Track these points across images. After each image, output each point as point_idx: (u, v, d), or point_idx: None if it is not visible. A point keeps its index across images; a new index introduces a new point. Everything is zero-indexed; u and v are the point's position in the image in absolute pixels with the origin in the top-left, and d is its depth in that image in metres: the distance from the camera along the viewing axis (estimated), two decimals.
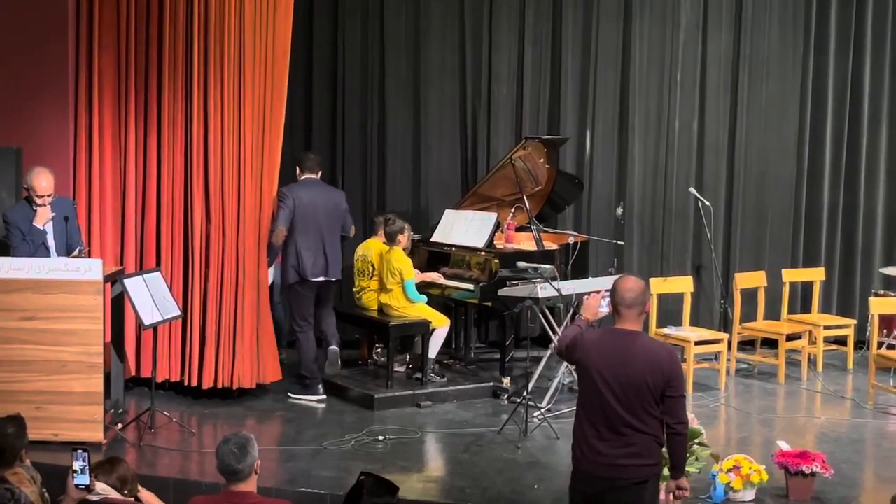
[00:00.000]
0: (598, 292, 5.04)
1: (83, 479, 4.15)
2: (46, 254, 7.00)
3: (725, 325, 9.43)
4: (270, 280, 8.34)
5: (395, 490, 3.63)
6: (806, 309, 9.62)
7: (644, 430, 4.49)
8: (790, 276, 9.42)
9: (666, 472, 4.73)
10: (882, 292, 9.25)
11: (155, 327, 7.13)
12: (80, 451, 4.17)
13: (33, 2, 7.78)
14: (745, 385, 8.81)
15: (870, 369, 8.19)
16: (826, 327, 9.24)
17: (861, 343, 9.39)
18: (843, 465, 6.57)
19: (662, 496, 4.88)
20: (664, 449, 4.62)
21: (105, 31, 7.77)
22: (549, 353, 8.35)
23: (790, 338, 8.96)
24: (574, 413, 4.76)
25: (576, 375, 7.94)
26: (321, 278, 7.98)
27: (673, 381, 4.47)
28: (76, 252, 6.99)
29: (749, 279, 9.18)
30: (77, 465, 4.16)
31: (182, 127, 7.76)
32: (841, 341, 9.42)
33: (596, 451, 4.53)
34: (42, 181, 6.95)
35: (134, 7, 7.76)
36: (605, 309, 4.98)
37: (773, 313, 9.30)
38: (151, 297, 7.03)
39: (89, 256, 7.12)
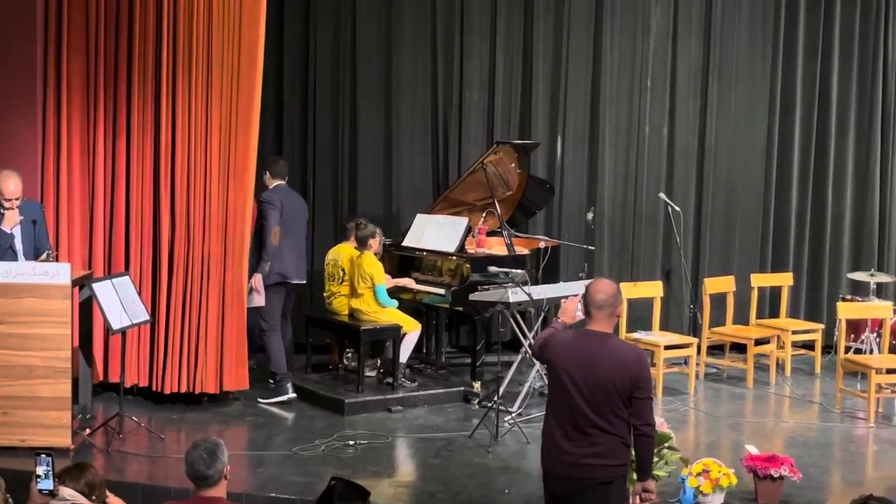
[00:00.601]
0: (574, 296, 5.08)
1: (47, 485, 4.12)
2: (14, 258, 6.93)
3: (695, 330, 9.49)
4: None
5: (365, 495, 3.62)
6: (774, 313, 9.70)
7: (610, 431, 4.52)
8: (759, 280, 9.49)
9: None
10: (849, 297, 9.34)
11: (123, 332, 7.07)
12: (43, 455, 4.14)
13: (1, 5, 7.71)
14: (714, 389, 8.86)
15: (837, 373, 8.26)
16: (794, 332, 9.31)
17: (829, 347, 9.47)
18: (811, 469, 6.62)
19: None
20: (632, 451, 4.65)
21: (74, 35, 7.72)
22: (519, 357, 8.38)
23: (759, 342, 9.03)
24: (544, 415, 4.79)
25: (546, 381, 8.00)
26: (301, 281, 8.28)
27: (640, 383, 4.50)
28: (44, 256, 6.93)
29: (718, 284, 9.24)
30: (41, 470, 4.12)
31: (151, 131, 7.72)
32: (809, 346, 9.49)
33: (562, 450, 4.57)
34: (10, 185, 6.89)
35: (104, 11, 7.72)
36: (581, 313, 4.97)
37: (741, 318, 9.37)
38: (120, 302, 6.98)
39: (57, 260, 7.06)
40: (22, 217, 6.98)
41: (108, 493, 4.52)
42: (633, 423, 4.55)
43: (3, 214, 6.93)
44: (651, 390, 4.63)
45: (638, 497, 4.77)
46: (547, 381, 4.69)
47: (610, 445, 4.53)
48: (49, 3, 7.70)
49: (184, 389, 7.68)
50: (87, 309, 7.27)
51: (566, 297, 7.82)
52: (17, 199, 6.92)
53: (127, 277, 7.30)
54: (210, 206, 7.66)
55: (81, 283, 7.08)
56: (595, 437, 4.51)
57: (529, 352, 4.94)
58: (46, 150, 7.79)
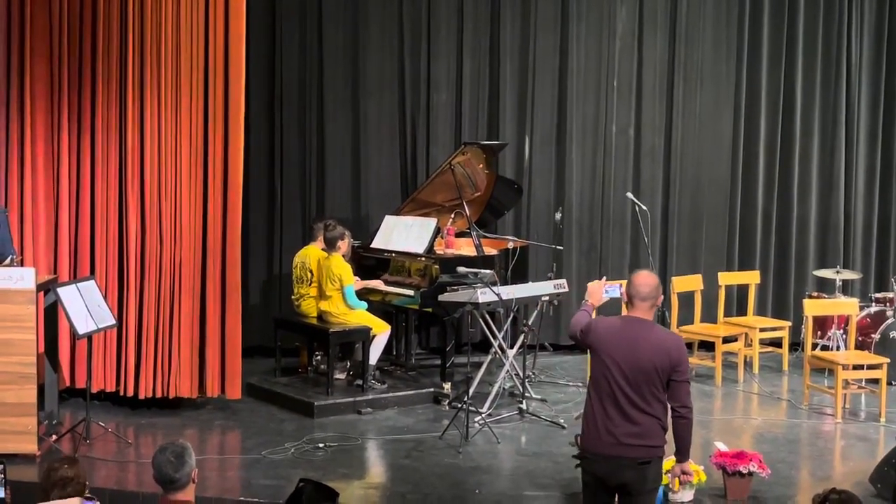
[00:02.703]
0: (600, 279, 5.47)
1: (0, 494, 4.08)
2: None
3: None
4: None
5: (334, 496, 3.61)
6: (742, 312, 9.76)
7: (649, 412, 4.76)
8: (726, 279, 9.55)
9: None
10: (816, 294, 9.43)
11: (89, 336, 7.01)
12: None
13: None
14: None
15: (805, 370, 8.32)
16: (761, 329, 9.37)
17: (796, 345, 9.55)
18: (779, 465, 6.67)
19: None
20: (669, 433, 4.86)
21: (37, 37, 7.63)
22: (489, 358, 8.38)
23: (726, 340, 9.08)
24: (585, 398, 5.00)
25: (516, 381, 8.02)
26: None
27: (679, 367, 4.77)
28: (8, 261, 6.85)
29: (685, 283, 9.30)
30: None
31: (116, 133, 7.66)
32: (776, 343, 9.56)
33: (603, 430, 4.79)
34: None
35: (67, 12, 7.64)
36: (607, 294, 5.38)
37: (709, 316, 9.43)
38: (86, 306, 6.92)
39: (21, 265, 6.98)
40: None
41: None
42: (672, 406, 4.80)
43: None
44: (688, 375, 4.84)
45: (677, 479, 5.06)
46: (590, 365, 4.99)
47: (649, 426, 4.76)
48: (11, 6, 7.62)
49: (158, 394, 7.63)
50: (52, 314, 7.20)
51: (546, 297, 7.95)
52: None
53: (93, 281, 7.24)
54: (181, 209, 7.60)
55: (46, 287, 7.01)
56: (635, 417, 4.75)
57: (576, 340, 5.10)
58: (10, 153, 7.71)
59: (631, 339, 4.79)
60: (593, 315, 5.26)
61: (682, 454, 4.93)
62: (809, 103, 10.21)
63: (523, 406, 7.80)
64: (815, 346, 8.70)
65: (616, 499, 4.87)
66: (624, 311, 5.14)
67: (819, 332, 9.13)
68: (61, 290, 6.87)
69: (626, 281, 5.22)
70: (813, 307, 8.55)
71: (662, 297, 5.05)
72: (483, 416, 7.46)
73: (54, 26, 7.66)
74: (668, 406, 4.80)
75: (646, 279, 4.89)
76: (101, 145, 7.67)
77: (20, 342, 6.54)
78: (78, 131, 7.73)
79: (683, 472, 5.01)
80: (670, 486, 5.90)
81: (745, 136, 10.17)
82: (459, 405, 7.39)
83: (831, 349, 8.89)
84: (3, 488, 4.12)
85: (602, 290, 5.33)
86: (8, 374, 6.54)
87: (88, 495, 4.35)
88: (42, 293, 6.95)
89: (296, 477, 5.61)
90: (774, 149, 10.22)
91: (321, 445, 7.01)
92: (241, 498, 6.04)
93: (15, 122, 7.68)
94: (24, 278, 6.55)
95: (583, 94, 9.97)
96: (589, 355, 5.18)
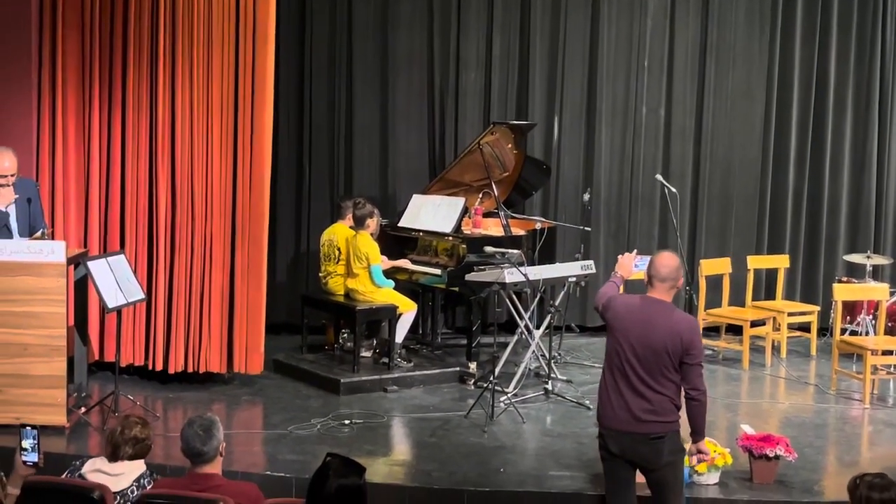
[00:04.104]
0: (631, 253, 5.51)
1: (33, 457, 4.12)
2: (9, 236, 6.89)
3: (690, 311, 9.39)
4: None
5: (361, 470, 3.60)
6: (770, 295, 9.70)
7: (660, 391, 4.84)
8: (755, 262, 9.48)
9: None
10: (846, 279, 9.35)
11: (119, 310, 7.06)
12: (29, 428, 4.14)
13: None
14: (710, 370, 8.82)
15: (833, 355, 8.27)
16: (790, 314, 9.31)
17: (824, 330, 9.48)
18: (806, 450, 6.63)
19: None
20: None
21: (69, 13, 7.66)
22: (515, 338, 8.37)
23: (754, 324, 9.02)
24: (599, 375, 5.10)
25: (542, 362, 8.01)
26: None
27: (691, 350, 4.82)
28: (39, 234, 6.90)
29: (714, 266, 9.24)
30: (27, 443, 4.12)
31: (147, 108, 7.68)
32: (804, 328, 9.50)
33: (618, 406, 4.89)
34: (4, 161, 6.85)
35: None
36: (637, 268, 5.42)
37: (737, 300, 9.37)
38: (115, 280, 6.96)
39: (53, 238, 7.03)
40: (17, 195, 6.95)
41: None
42: (685, 388, 4.87)
43: None
44: (701, 358, 4.89)
45: (694, 458, 5.17)
46: (606, 341, 5.06)
47: (660, 403, 4.84)
48: None
49: (190, 369, 7.67)
50: (82, 287, 7.24)
51: (574, 278, 7.93)
52: (12, 175, 6.88)
53: (122, 256, 7.28)
54: (212, 184, 7.62)
55: (76, 261, 7.06)
56: (646, 394, 4.84)
57: (598, 312, 5.20)
58: (42, 128, 7.76)
59: (645, 320, 4.84)
60: (621, 288, 5.33)
61: (696, 434, 4.99)
62: (843, 83, 10.07)
63: (549, 386, 7.79)
64: (843, 331, 8.63)
65: (636, 472, 4.99)
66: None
67: (848, 317, 9.06)
68: (91, 264, 6.92)
69: (678, 252, 5.41)
70: (842, 292, 8.48)
71: (683, 279, 5.08)
72: (508, 395, 7.46)
73: (86, 1, 7.68)
74: (681, 387, 4.87)
75: (666, 260, 4.93)
76: (131, 120, 7.70)
77: (50, 315, 6.59)
78: (109, 106, 7.76)
79: (699, 451, 5.08)
80: (694, 467, 5.89)
81: (776, 117, 10.06)
82: (485, 385, 7.39)
83: (860, 334, 8.82)
84: (38, 453, 4.17)
85: (633, 264, 5.38)
86: (38, 346, 6.58)
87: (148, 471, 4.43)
88: (72, 267, 6.99)
89: (322, 453, 5.63)
90: (806, 130, 10.11)
91: (347, 422, 7.03)
92: (268, 472, 6.08)
93: (46, 97, 7.73)
94: (54, 252, 6.58)
95: (613, 74, 9.90)
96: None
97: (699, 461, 5.35)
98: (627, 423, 4.86)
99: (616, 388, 4.89)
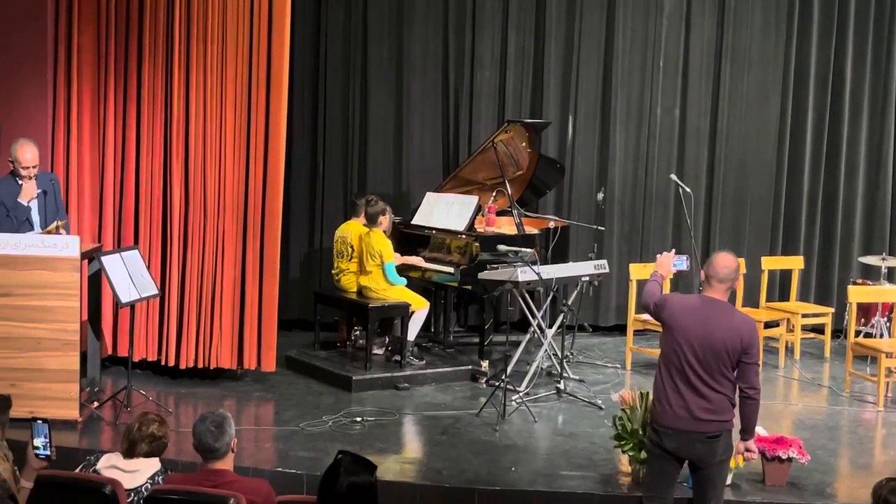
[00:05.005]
0: (668, 252, 5.62)
1: (45, 451, 4.14)
2: (31, 229, 6.95)
3: None
4: None
5: (373, 468, 3.60)
6: (784, 297, 9.66)
7: (717, 390, 4.92)
8: (769, 263, 9.45)
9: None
10: (860, 281, 9.31)
11: (132, 305, 7.07)
12: (40, 422, 4.15)
13: None
14: None
15: (847, 357, 8.23)
16: (804, 315, 9.28)
17: (838, 331, 9.44)
18: (819, 452, 6.60)
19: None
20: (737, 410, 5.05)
21: (85, 7, 7.68)
22: (528, 337, 8.36)
23: (768, 325, 8.99)
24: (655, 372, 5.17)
25: (554, 361, 7.99)
26: None
27: (749, 349, 4.92)
28: (53, 226, 6.92)
29: None
30: (39, 440, 4.14)
31: (161, 104, 7.69)
32: (818, 329, 9.46)
33: (676, 405, 4.97)
34: (27, 153, 6.89)
35: None
36: (676, 267, 5.57)
37: (751, 301, 9.34)
38: (129, 275, 6.98)
39: (68, 232, 7.05)
40: (40, 190, 6.98)
41: None
42: (741, 387, 4.96)
43: (20, 186, 6.92)
44: (758, 357, 5.01)
45: (741, 456, 5.26)
46: (662, 340, 5.15)
47: (717, 402, 4.93)
48: None
49: (200, 364, 7.68)
50: (95, 282, 7.27)
51: (587, 277, 7.92)
52: (34, 167, 6.91)
53: (136, 251, 7.30)
54: (225, 181, 7.63)
55: (90, 256, 7.08)
56: (705, 394, 4.92)
57: (649, 312, 5.30)
58: (56, 122, 7.78)
59: (705, 319, 4.91)
60: (664, 286, 5.42)
61: (747, 433, 5.09)
62: (859, 85, 10.03)
63: (561, 386, 7.78)
64: (857, 333, 8.59)
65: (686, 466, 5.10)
66: (678, 286, 5.18)
67: (862, 319, 9.01)
68: (105, 259, 6.94)
69: (689, 254, 5.61)
70: (857, 294, 8.43)
71: (738, 280, 5.20)
72: (520, 394, 7.45)
73: None
74: (736, 385, 4.96)
75: (726, 261, 4.99)
76: (146, 115, 7.72)
77: (64, 309, 6.61)
78: (124, 101, 7.78)
79: (748, 450, 5.19)
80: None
81: (791, 119, 10.03)
82: (497, 383, 7.38)
83: (874, 336, 8.78)
84: (50, 447, 4.18)
85: (671, 262, 5.50)
86: (51, 340, 6.61)
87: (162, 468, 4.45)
88: (86, 261, 7.01)
89: (333, 450, 5.64)
90: (822, 132, 10.07)
91: (359, 419, 7.04)
92: (279, 469, 6.08)
93: (61, 91, 7.75)
94: (68, 246, 6.61)
95: (628, 74, 9.88)
96: (661, 331, 5.29)
97: (746, 459, 5.44)
98: (686, 421, 4.94)
99: (674, 387, 4.96)
